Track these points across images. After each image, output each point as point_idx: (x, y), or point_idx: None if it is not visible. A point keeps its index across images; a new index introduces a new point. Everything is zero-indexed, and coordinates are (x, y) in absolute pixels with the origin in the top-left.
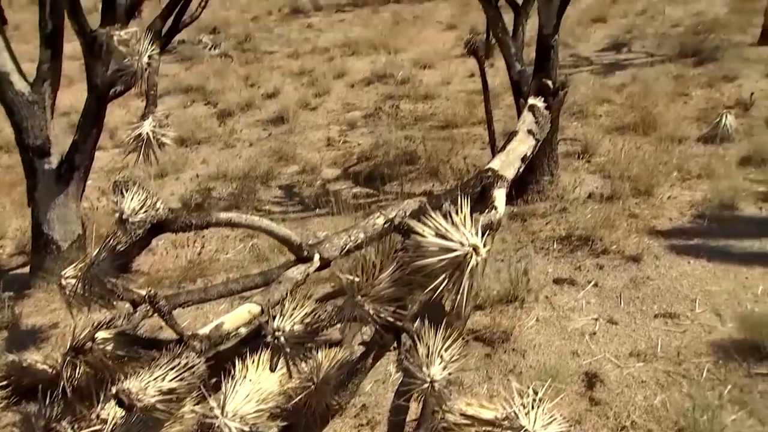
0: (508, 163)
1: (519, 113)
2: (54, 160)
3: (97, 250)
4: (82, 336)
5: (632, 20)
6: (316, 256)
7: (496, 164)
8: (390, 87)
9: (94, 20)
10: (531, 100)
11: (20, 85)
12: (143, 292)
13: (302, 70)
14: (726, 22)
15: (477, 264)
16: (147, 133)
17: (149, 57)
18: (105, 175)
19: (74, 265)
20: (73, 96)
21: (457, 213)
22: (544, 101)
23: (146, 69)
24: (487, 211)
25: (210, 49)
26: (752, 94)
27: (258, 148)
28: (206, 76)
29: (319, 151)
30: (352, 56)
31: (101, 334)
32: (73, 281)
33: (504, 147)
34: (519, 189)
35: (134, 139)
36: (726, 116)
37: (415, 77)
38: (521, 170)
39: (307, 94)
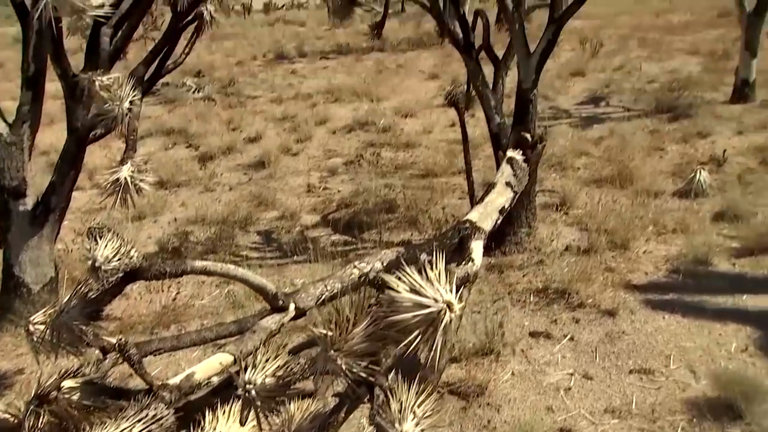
0: (486, 215)
1: (498, 165)
2: (29, 202)
3: (68, 297)
4: (47, 384)
5: (610, 75)
6: (292, 306)
7: (474, 216)
8: (371, 135)
9: (77, 60)
10: (510, 153)
11: (1, 128)
12: (113, 340)
13: (285, 115)
14: (699, 80)
15: (451, 321)
16: (125, 178)
17: (131, 102)
18: (81, 216)
19: (44, 310)
20: (53, 135)
21: (432, 267)
22: (523, 154)
23: (127, 114)
24: (464, 263)
25: (194, 92)
26: (725, 151)
27: (238, 193)
28: (189, 119)
29: (298, 197)
30: (335, 103)
31: (68, 383)
32: (41, 327)
33: (482, 198)
34: (497, 240)
35: (112, 183)
36: (700, 172)
37: (396, 125)
38: (499, 222)
39: (289, 139)
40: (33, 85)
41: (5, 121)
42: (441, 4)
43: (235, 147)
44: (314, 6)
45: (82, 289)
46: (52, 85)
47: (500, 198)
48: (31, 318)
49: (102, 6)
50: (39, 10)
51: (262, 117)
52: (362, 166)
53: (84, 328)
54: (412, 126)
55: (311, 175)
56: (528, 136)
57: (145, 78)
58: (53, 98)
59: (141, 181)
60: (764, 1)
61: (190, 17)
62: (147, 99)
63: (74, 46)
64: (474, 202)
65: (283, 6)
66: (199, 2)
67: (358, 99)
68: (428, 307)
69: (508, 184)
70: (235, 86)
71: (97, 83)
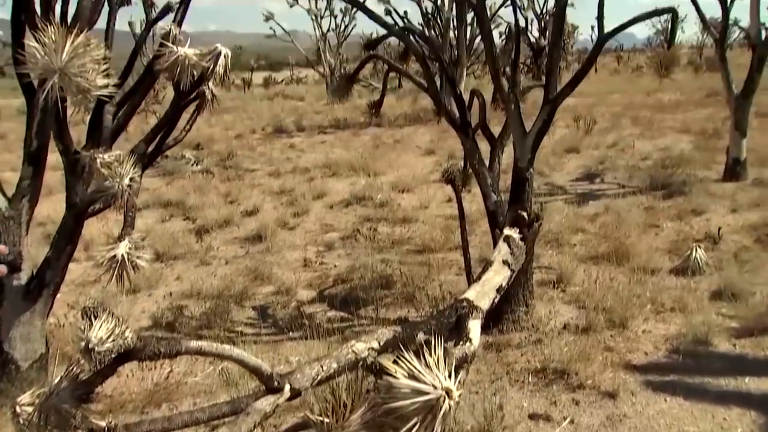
0: (483, 294)
1: (495, 242)
2: (24, 276)
3: (58, 378)
4: None
5: (604, 152)
6: (287, 387)
7: (471, 294)
8: (368, 209)
9: (79, 131)
10: (506, 231)
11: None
12: (103, 423)
13: (282, 189)
14: (691, 158)
15: (450, 408)
16: (122, 255)
17: (131, 179)
18: (75, 289)
19: (31, 391)
20: (51, 206)
21: (430, 350)
22: (520, 232)
23: (127, 191)
24: (461, 343)
25: (192, 164)
26: (720, 228)
27: (234, 267)
28: (187, 191)
29: (295, 271)
30: (333, 177)
31: None
32: (29, 409)
33: (479, 277)
34: (494, 318)
35: (109, 260)
36: (696, 249)
37: (393, 200)
38: (497, 301)
39: (286, 213)
40: (34, 160)
41: (4, 195)
42: (438, 84)
43: (232, 220)
44: (313, 81)
45: (73, 370)
46: (52, 156)
47: (497, 277)
48: (19, 399)
49: (106, 86)
50: (46, 91)
51: (260, 190)
52: (359, 241)
53: (73, 410)
54: (409, 201)
55: (308, 250)
56: (525, 214)
57: (146, 154)
58: (53, 169)
59: (138, 258)
60: (751, 83)
61: (192, 96)
62: (146, 171)
63: (76, 118)
64: (471, 279)
65: (282, 81)
66: (202, 82)
67: (356, 174)
68: (427, 394)
69: (505, 262)
70: (233, 159)
71: (98, 160)
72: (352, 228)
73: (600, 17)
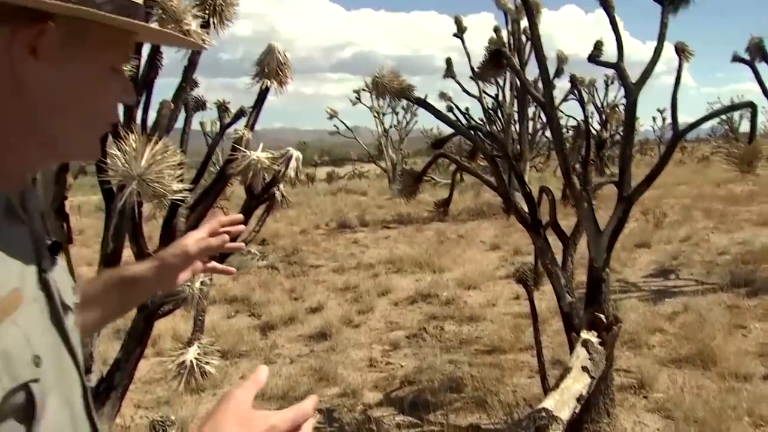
0: (562, 403)
1: (570, 345)
2: (94, 378)
3: None
4: None
5: (677, 247)
6: None
7: (550, 404)
8: (434, 307)
9: (152, 226)
10: (584, 335)
11: None
12: None
13: (347, 285)
14: None
15: None
16: (191, 361)
17: (201, 283)
18: (142, 387)
19: None
20: None
21: None
22: (598, 336)
23: (197, 295)
24: None
25: (258, 260)
26: None
27: (298, 366)
28: (252, 287)
29: (360, 371)
30: (397, 273)
31: None
32: None
33: (557, 384)
34: (574, 430)
35: (178, 366)
36: None
37: (459, 298)
38: (577, 411)
39: (351, 310)
40: (110, 262)
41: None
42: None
43: (296, 317)
44: (375, 176)
45: None
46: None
47: (577, 384)
48: None
49: (181, 191)
50: (124, 197)
51: (324, 287)
52: (425, 340)
53: None
54: (476, 298)
55: (373, 349)
56: (602, 317)
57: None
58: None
59: (206, 364)
60: None
61: (263, 197)
62: None
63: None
64: (545, 383)
65: (345, 176)
66: (273, 184)
67: (420, 270)
68: None
69: (584, 368)
70: (298, 255)
71: None
72: (418, 326)
73: (674, 113)
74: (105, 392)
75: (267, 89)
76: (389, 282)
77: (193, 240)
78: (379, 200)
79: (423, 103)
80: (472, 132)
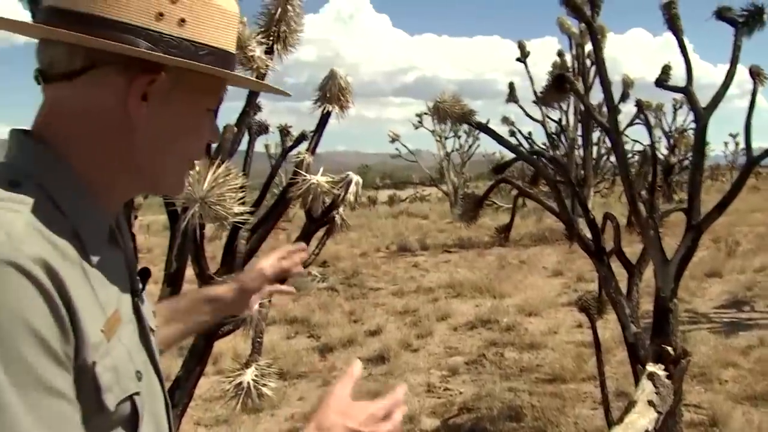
0: None
1: (635, 377)
2: None
3: None
4: None
5: (751, 277)
6: None
7: None
8: (494, 333)
9: (215, 246)
10: (650, 367)
11: None
12: None
13: (406, 309)
14: None
15: None
16: (248, 383)
17: (260, 305)
18: (203, 404)
19: None
20: None
21: None
22: (665, 369)
23: (256, 317)
24: None
25: (318, 281)
26: None
27: (356, 389)
28: (312, 308)
29: (418, 396)
30: (457, 298)
31: None
32: None
33: (622, 418)
34: None
35: (235, 387)
36: None
37: (520, 324)
38: None
39: (410, 334)
40: (173, 281)
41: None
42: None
43: (355, 339)
44: (436, 199)
45: None
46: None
47: (642, 419)
48: None
49: (242, 213)
50: (187, 219)
51: (383, 310)
52: (485, 366)
53: None
54: (537, 325)
55: (431, 374)
56: (670, 349)
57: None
58: (189, 282)
59: (263, 386)
60: None
61: (322, 221)
62: None
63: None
64: (609, 416)
65: (406, 199)
66: (333, 208)
67: (480, 295)
68: None
69: (650, 403)
70: (358, 277)
71: None
72: (477, 352)
73: (748, 138)
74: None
75: (328, 114)
76: (449, 306)
77: (269, 264)
78: (440, 224)
79: (484, 128)
80: (534, 157)
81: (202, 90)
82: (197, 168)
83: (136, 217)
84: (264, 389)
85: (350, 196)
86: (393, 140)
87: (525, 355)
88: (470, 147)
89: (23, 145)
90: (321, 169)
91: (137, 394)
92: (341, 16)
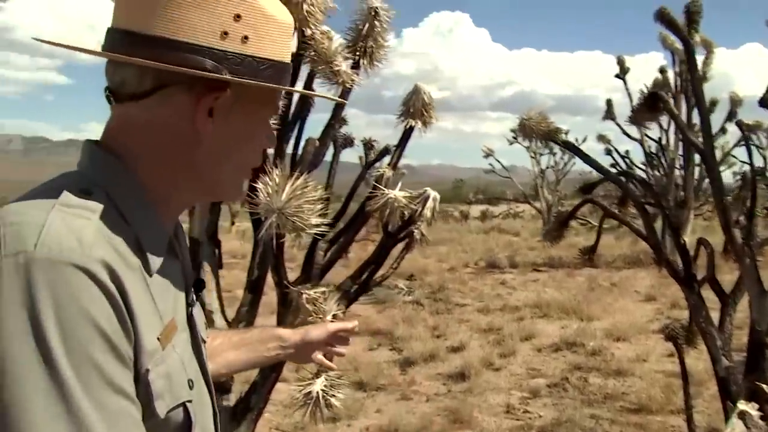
0: None
1: (726, 414)
2: (232, 398)
3: None
4: None
5: None
6: None
7: None
8: (579, 357)
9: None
10: (741, 405)
11: (220, 324)
12: None
13: (490, 326)
14: None
15: None
16: (317, 393)
17: (333, 316)
18: (282, 410)
19: None
20: None
21: None
22: (759, 408)
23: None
24: None
25: (404, 294)
26: None
27: (434, 405)
28: (396, 321)
29: (497, 417)
30: (543, 318)
31: None
32: None
33: None
34: None
35: (304, 396)
36: None
37: (607, 349)
38: None
39: (492, 352)
40: (254, 289)
41: (225, 318)
42: (660, 234)
43: (437, 355)
44: (529, 216)
45: None
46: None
47: None
48: None
49: (319, 225)
50: (265, 228)
51: (468, 326)
52: (567, 390)
53: None
54: (625, 351)
55: (512, 395)
56: (766, 387)
57: (352, 291)
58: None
59: (332, 396)
60: None
61: (401, 235)
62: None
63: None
64: None
65: (499, 215)
66: (411, 223)
67: (567, 316)
68: None
69: None
70: (444, 292)
71: (304, 296)
72: (560, 375)
73: None
74: (242, 413)
75: (411, 129)
76: (534, 326)
77: (334, 326)
78: (531, 242)
79: (570, 147)
80: (623, 178)
81: (261, 101)
82: (277, 179)
83: (233, 224)
84: (332, 399)
85: (427, 212)
86: (487, 155)
87: (610, 382)
88: (566, 164)
89: (94, 155)
90: (399, 184)
91: (189, 401)
92: (440, 30)
